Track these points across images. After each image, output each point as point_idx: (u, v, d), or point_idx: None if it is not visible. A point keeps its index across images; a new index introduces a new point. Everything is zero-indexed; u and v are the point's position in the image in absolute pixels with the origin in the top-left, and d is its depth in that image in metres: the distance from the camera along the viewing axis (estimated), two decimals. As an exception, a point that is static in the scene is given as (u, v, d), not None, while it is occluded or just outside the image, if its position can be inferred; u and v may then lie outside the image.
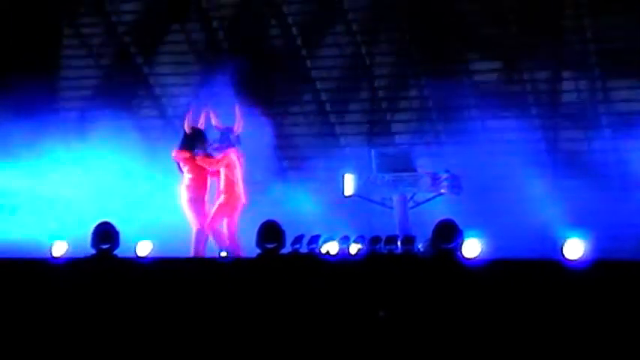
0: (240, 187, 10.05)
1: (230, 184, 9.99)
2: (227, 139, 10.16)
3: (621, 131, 11.95)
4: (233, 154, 10.08)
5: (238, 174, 10.06)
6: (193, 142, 10.14)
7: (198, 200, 10.02)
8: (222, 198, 10.01)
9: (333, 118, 13.17)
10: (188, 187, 10.03)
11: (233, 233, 10.03)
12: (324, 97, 13.21)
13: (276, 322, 6.41)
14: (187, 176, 10.05)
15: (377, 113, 13.05)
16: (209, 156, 10.13)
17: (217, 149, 10.15)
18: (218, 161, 10.05)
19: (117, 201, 11.33)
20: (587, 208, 10.68)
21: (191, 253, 9.81)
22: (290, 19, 13.21)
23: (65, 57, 13.53)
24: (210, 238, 10.01)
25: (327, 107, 13.14)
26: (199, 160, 10.04)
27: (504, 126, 12.30)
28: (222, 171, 10.05)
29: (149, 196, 11.17)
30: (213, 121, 10.27)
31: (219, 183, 10.10)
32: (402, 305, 6.28)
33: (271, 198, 11.23)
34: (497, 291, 6.27)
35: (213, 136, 10.29)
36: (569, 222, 9.11)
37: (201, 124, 10.30)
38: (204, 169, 10.09)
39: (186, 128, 10.23)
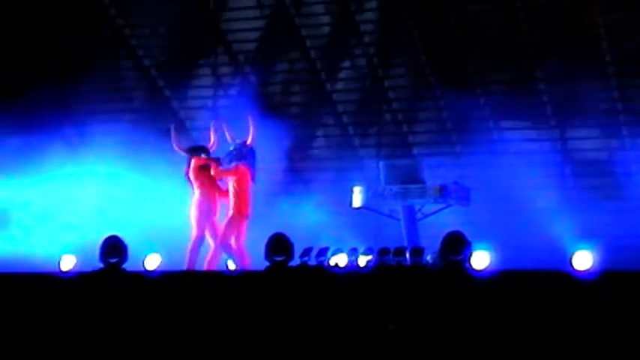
0: (247, 202, 10.05)
1: (238, 200, 10.00)
2: (240, 153, 10.15)
3: (635, 141, 11.91)
4: (243, 169, 10.08)
5: (247, 189, 10.06)
6: (191, 156, 10.18)
7: (208, 216, 10.06)
8: (230, 213, 10.03)
9: (344, 131, 13.17)
10: (199, 202, 10.06)
11: (241, 246, 10.04)
12: (340, 108, 13.23)
13: (286, 334, 6.40)
14: (197, 191, 10.08)
15: (390, 125, 13.06)
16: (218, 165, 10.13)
17: (229, 163, 10.15)
18: (224, 172, 10.04)
19: (124, 213, 11.35)
20: (595, 219, 10.65)
21: (185, 262, 9.86)
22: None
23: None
24: (224, 255, 10.02)
25: (344, 120, 13.16)
26: (213, 168, 10.05)
27: (516, 138, 12.29)
28: (232, 186, 10.05)
29: (157, 207, 11.19)
30: (227, 135, 10.28)
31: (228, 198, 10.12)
32: (411, 317, 6.27)
33: (279, 210, 11.23)
34: (506, 302, 6.25)
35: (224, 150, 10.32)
36: (578, 233, 9.09)
37: (212, 141, 10.30)
38: (215, 186, 10.10)
39: (178, 150, 10.29)
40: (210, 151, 10.29)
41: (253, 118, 10.19)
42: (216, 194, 10.12)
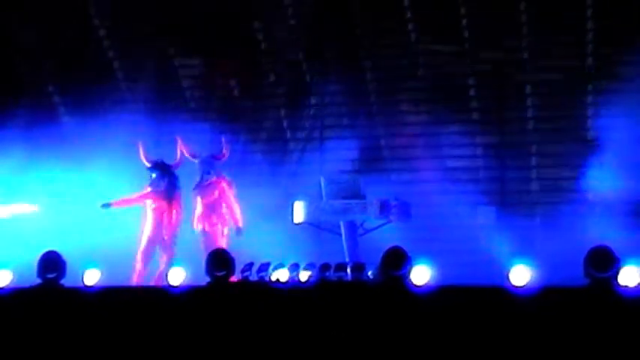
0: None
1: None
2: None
3: (569, 157, 12.06)
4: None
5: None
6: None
7: (160, 231, 10.28)
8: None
9: (282, 145, 13.17)
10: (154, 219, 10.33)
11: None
12: (284, 123, 13.22)
13: (226, 350, 6.38)
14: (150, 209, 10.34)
15: (326, 140, 13.08)
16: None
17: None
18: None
19: (63, 226, 11.22)
20: (533, 235, 10.81)
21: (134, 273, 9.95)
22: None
23: None
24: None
25: (277, 135, 13.15)
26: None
27: (453, 153, 12.41)
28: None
29: (95, 221, 11.10)
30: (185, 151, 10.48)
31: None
32: (351, 333, 6.29)
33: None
34: (445, 318, 6.31)
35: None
36: (516, 249, 9.22)
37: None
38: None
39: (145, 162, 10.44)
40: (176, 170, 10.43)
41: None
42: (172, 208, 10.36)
